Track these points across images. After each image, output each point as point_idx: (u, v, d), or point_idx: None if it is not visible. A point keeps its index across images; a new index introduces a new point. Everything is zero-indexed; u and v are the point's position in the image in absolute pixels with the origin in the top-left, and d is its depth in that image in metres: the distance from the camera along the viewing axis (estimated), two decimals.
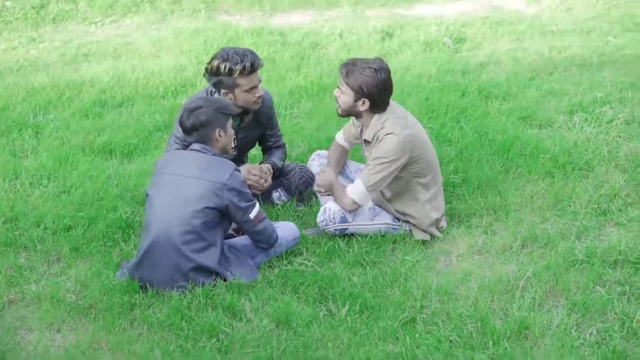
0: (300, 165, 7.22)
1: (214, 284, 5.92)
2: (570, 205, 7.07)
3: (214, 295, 5.84)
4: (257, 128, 7.09)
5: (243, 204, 6.02)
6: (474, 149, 7.99)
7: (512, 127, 8.56)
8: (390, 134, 6.41)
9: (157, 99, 9.71)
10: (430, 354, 5.31)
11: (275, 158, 7.18)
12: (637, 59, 11.04)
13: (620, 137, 8.28)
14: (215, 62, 6.61)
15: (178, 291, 5.88)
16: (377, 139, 6.47)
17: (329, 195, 6.78)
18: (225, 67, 6.56)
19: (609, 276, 6.08)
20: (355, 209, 6.60)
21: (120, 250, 6.51)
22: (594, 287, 5.95)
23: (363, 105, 6.49)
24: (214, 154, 6.09)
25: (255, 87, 6.71)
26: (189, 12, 13.41)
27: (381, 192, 6.68)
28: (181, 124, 6.16)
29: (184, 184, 5.98)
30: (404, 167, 6.49)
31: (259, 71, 6.72)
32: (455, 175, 7.50)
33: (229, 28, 12.04)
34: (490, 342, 5.40)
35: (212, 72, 6.66)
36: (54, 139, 8.47)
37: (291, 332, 5.56)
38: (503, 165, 7.74)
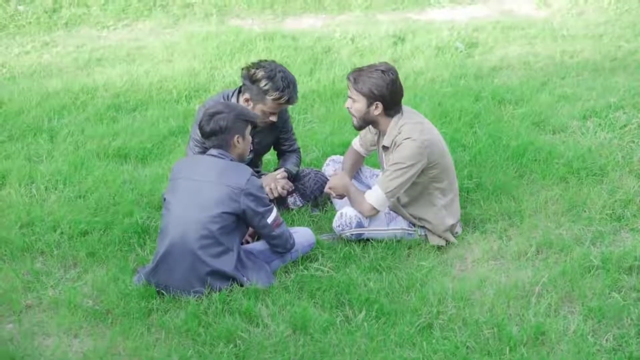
0: (315, 170, 7.24)
1: (231, 289, 5.94)
2: (584, 211, 7.08)
3: (230, 300, 5.85)
4: (272, 132, 7.12)
5: (260, 209, 6.03)
6: (487, 154, 7.99)
7: (526, 132, 8.57)
8: (408, 138, 6.42)
9: (171, 104, 9.72)
10: None
11: (290, 164, 7.19)
12: None
13: (634, 142, 8.28)
14: (260, 74, 6.66)
15: (195, 296, 5.89)
16: (395, 145, 6.48)
17: (340, 198, 6.80)
18: (266, 84, 6.64)
19: (624, 282, 6.08)
20: (373, 214, 6.60)
21: (137, 255, 6.52)
22: (609, 293, 5.96)
23: (377, 109, 6.49)
24: (231, 159, 6.11)
25: (275, 114, 6.78)
26: (200, 16, 13.42)
27: (397, 197, 6.68)
28: (201, 128, 6.17)
29: (201, 189, 5.99)
30: (422, 172, 6.50)
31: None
32: (470, 181, 7.51)
33: (241, 32, 12.05)
34: (507, 348, 5.41)
35: (250, 78, 6.71)
36: (69, 143, 8.49)
37: (308, 337, 5.57)
38: (517, 171, 7.74)
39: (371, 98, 6.47)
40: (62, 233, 6.79)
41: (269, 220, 6.09)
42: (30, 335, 5.63)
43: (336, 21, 13.35)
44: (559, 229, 6.86)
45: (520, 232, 6.84)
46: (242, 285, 6.01)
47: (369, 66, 6.57)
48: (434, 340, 5.49)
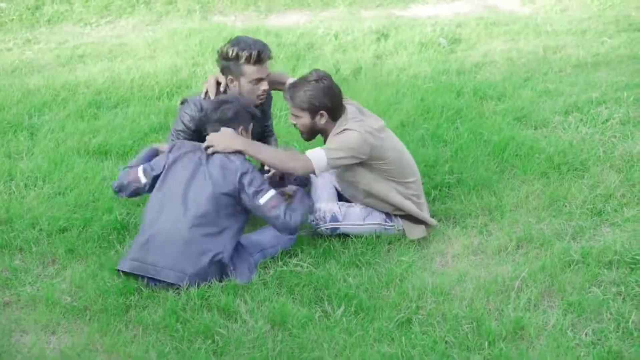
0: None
1: (209, 285, 5.94)
2: (565, 206, 7.09)
3: (209, 296, 5.85)
4: (263, 120, 7.12)
5: (252, 189, 6.08)
6: (469, 150, 7.99)
7: (508, 128, 8.56)
8: (346, 129, 6.41)
9: (153, 100, 9.68)
10: (426, 355, 5.34)
11: (274, 143, 7.35)
12: (632, 59, 11.03)
13: (615, 137, 8.28)
14: (226, 48, 6.66)
15: (176, 286, 5.94)
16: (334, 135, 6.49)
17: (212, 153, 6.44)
18: (233, 51, 6.62)
19: (604, 276, 6.10)
20: (307, 173, 6.50)
21: (116, 251, 6.49)
22: (589, 288, 5.98)
23: (322, 118, 6.50)
24: None
25: (262, 79, 6.74)
26: (183, 12, 13.38)
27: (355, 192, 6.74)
28: (205, 116, 6.36)
29: (198, 170, 6.12)
30: (371, 166, 6.53)
31: (267, 64, 6.77)
32: (451, 176, 7.50)
33: (224, 29, 12.02)
34: (486, 343, 5.42)
35: (222, 56, 6.72)
36: (49, 140, 8.44)
37: (287, 333, 5.57)
38: (498, 166, 7.74)
39: (313, 110, 6.48)
40: (41, 230, 6.76)
41: (262, 201, 6.10)
42: (8, 333, 5.61)
43: (320, 17, 13.32)
44: (539, 223, 6.87)
45: (500, 227, 6.85)
46: (226, 275, 6.03)
47: (301, 79, 6.56)
48: (412, 335, 5.50)
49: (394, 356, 5.32)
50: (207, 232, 6.00)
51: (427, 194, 7.08)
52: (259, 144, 6.42)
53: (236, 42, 6.68)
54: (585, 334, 5.53)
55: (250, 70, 6.67)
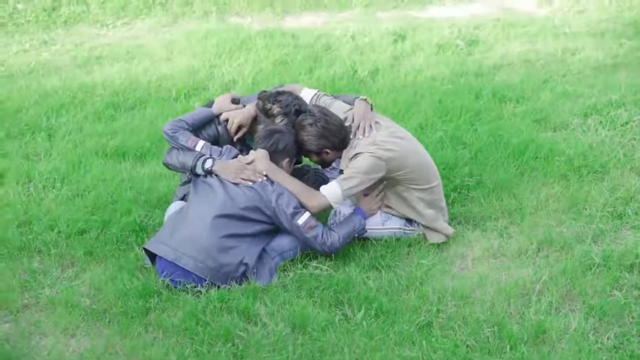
0: (315, 169, 7.19)
1: (229, 288, 5.94)
2: (585, 209, 7.05)
3: (229, 299, 5.84)
4: None
5: (290, 210, 6.18)
6: (488, 152, 7.95)
7: (527, 130, 8.53)
8: (360, 153, 6.42)
9: (170, 102, 9.68)
10: (447, 359, 5.30)
11: None
12: None
13: (635, 139, 8.24)
14: (276, 110, 6.69)
15: (192, 282, 6.00)
16: (349, 160, 6.50)
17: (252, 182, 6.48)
18: (281, 121, 6.66)
19: (625, 280, 6.05)
20: (322, 209, 6.47)
21: (135, 254, 6.48)
22: (611, 291, 5.93)
23: (329, 155, 6.61)
24: None
25: None
26: (200, 14, 13.38)
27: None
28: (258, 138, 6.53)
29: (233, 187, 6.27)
30: (392, 177, 6.52)
31: None
32: (470, 178, 7.46)
33: (241, 30, 12.00)
34: (508, 347, 5.39)
35: (265, 113, 6.74)
36: (67, 142, 8.45)
37: (307, 336, 5.55)
38: (518, 168, 7.70)
39: (317, 152, 6.58)
40: (59, 232, 6.76)
41: (300, 222, 6.20)
42: (27, 335, 5.61)
43: (336, 19, 13.31)
44: (560, 226, 6.83)
45: (521, 230, 6.80)
46: (247, 278, 6.07)
47: (298, 122, 6.57)
48: (433, 339, 5.47)
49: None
50: (234, 232, 6.07)
51: (447, 197, 7.04)
52: (283, 172, 6.43)
53: (286, 109, 6.67)
54: (607, 338, 5.48)
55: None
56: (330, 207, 6.47)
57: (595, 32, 12.30)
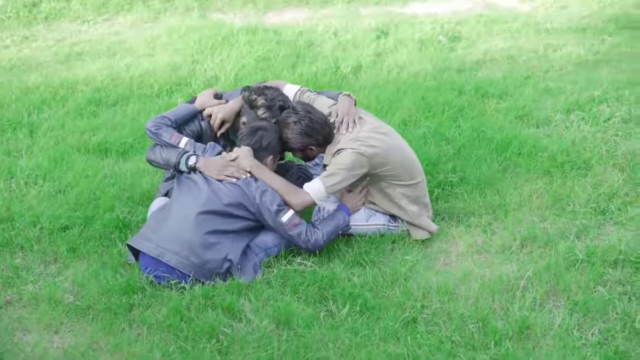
0: (298, 165, 7.18)
1: (214, 285, 5.93)
2: (569, 205, 7.06)
3: (213, 295, 5.82)
4: None
5: (274, 207, 6.19)
6: (471, 148, 7.96)
7: (510, 126, 8.55)
8: (343, 149, 6.41)
9: (152, 98, 9.65)
10: (432, 355, 5.31)
11: None
12: (633, 57, 11.03)
13: (617, 135, 8.27)
14: (260, 102, 6.72)
15: (176, 278, 5.99)
16: (332, 157, 6.49)
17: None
18: (263, 113, 6.70)
19: (609, 276, 6.07)
20: (306, 207, 6.48)
21: (118, 250, 6.46)
22: (594, 287, 5.95)
23: (313, 151, 6.63)
24: None
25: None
26: (181, 10, 13.35)
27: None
28: (240, 135, 6.53)
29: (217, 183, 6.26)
30: (378, 174, 6.52)
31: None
32: (454, 174, 7.46)
33: (223, 26, 11.99)
34: (492, 343, 5.40)
35: (250, 103, 6.76)
36: (49, 138, 8.42)
37: (291, 332, 5.54)
38: (501, 164, 7.71)
39: (301, 149, 6.58)
40: (42, 228, 6.73)
41: (284, 219, 6.21)
42: (10, 332, 5.59)
43: (319, 15, 13.29)
44: (543, 222, 6.84)
45: (504, 226, 6.81)
46: (231, 274, 6.06)
47: (281, 119, 6.57)
48: (418, 335, 5.47)
49: (400, 356, 5.29)
50: (218, 229, 6.06)
51: (430, 193, 7.04)
52: (267, 170, 6.42)
53: (270, 103, 6.72)
54: (592, 334, 5.50)
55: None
56: (314, 205, 6.47)
57: (577, 28, 12.34)
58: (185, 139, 6.47)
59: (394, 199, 6.59)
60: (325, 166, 6.54)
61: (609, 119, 8.61)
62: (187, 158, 6.30)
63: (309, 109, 6.50)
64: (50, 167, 7.66)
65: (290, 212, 6.22)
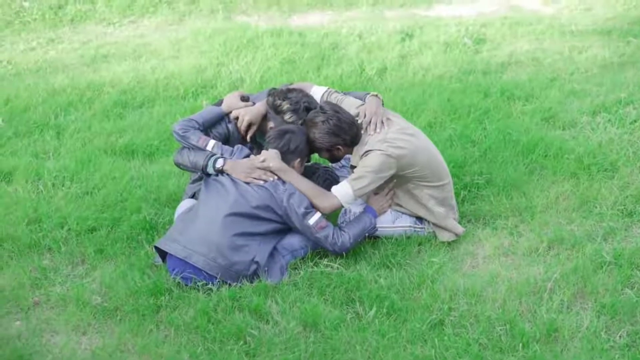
0: (325, 167, 7.18)
1: (241, 286, 5.97)
2: (596, 207, 7.04)
3: (240, 297, 5.85)
4: None
5: (302, 210, 6.20)
6: (497, 150, 7.94)
7: (536, 128, 8.52)
8: (371, 150, 6.40)
9: (178, 100, 9.68)
10: (459, 357, 5.32)
11: None
12: None
13: None
14: (285, 106, 6.70)
15: (202, 279, 6.02)
16: (360, 158, 6.48)
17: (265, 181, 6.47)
18: (290, 117, 6.69)
19: (637, 278, 6.06)
20: (334, 210, 6.48)
21: (145, 252, 6.49)
22: (622, 289, 5.93)
23: (340, 151, 6.60)
24: None
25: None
26: (206, 12, 13.36)
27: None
28: (268, 138, 6.54)
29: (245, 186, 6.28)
30: (401, 175, 6.52)
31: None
32: (480, 177, 7.46)
33: (248, 29, 11.99)
34: (520, 345, 5.39)
35: (275, 109, 6.75)
36: (76, 140, 8.47)
37: (319, 334, 5.56)
38: (527, 167, 7.69)
39: (328, 149, 6.56)
40: (69, 230, 6.78)
41: (311, 221, 6.22)
42: (38, 333, 5.64)
43: (343, 17, 13.26)
44: (570, 224, 6.82)
45: (531, 228, 6.80)
46: (257, 276, 6.09)
47: (309, 119, 6.55)
48: (445, 337, 5.47)
49: (427, 358, 5.30)
50: (245, 231, 6.09)
51: (456, 195, 7.03)
52: (295, 172, 6.43)
53: (296, 106, 6.70)
54: (620, 336, 5.49)
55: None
56: (341, 207, 6.47)
57: (602, 30, 12.26)
58: (212, 142, 6.48)
59: (421, 201, 6.58)
60: (352, 167, 6.53)
61: (635, 121, 8.56)
62: (215, 161, 6.32)
63: (336, 109, 6.49)
64: (77, 169, 7.70)
65: (318, 215, 6.22)
